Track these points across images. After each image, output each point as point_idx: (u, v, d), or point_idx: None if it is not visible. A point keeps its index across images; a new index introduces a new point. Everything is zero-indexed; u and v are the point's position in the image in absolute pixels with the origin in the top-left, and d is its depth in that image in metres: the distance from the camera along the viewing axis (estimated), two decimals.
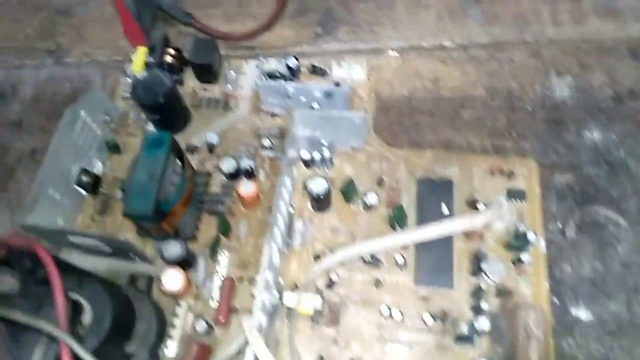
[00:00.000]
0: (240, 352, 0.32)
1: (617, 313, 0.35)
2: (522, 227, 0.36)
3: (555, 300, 0.36)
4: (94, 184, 0.40)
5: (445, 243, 0.36)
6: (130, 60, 0.44)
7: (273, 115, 0.43)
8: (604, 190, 0.40)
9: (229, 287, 0.36)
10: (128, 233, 0.39)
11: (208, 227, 0.39)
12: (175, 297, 0.36)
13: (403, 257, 0.36)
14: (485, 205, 0.37)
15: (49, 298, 0.26)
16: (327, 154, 0.39)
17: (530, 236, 0.35)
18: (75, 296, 0.28)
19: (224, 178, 0.41)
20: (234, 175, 0.40)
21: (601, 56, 0.45)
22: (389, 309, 0.35)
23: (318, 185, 0.36)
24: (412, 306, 0.35)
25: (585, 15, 0.48)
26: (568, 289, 0.36)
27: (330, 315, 0.35)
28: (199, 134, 0.43)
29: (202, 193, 0.40)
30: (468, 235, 0.37)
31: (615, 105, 0.43)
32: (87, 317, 0.28)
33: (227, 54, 0.47)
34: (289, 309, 0.35)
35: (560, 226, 0.38)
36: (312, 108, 0.42)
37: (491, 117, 0.43)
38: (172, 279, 0.34)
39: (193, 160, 0.42)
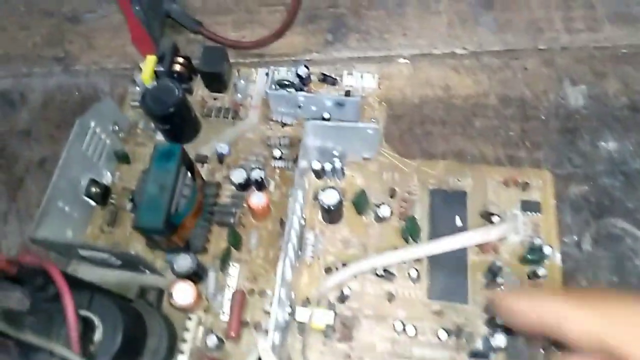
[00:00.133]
0: None
1: None
2: (537, 240, 0.35)
3: None
4: (103, 195, 0.40)
5: (459, 256, 0.36)
6: (139, 69, 0.44)
7: (283, 124, 0.43)
8: (620, 202, 0.39)
9: (240, 300, 0.35)
10: (138, 245, 0.39)
11: (218, 239, 0.39)
12: (185, 311, 0.35)
13: (416, 270, 0.36)
14: (499, 217, 0.37)
15: (60, 315, 0.26)
16: (338, 164, 0.39)
17: (546, 250, 0.35)
18: (86, 313, 0.28)
19: (234, 188, 0.40)
20: (244, 186, 0.40)
21: (616, 64, 0.45)
22: (403, 323, 0.34)
23: (329, 197, 0.36)
24: (425, 321, 0.34)
25: (599, 21, 0.47)
26: None
27: (342, 330, 0.35)
28: (209, 143, 0.43)
29: (212, 204, 0.39)
30: (482, 248, 0.36)
31: (631, 114, 0.42)
32: (98, 333, 0.28)
33: (237, 61, 0.47)
34: (301, 323, 0.34)
35: (576, 239, 0.37)
36: (323, 118, 0.41)
37: (504, 127, 0.43)
38: (183, 293, 0.34)
39: (203, 170, 0.41)
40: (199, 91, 0.45)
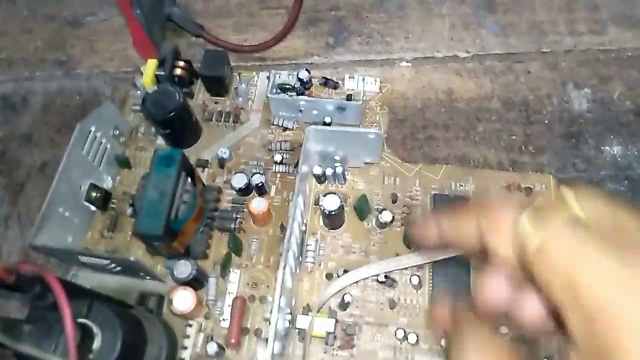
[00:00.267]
0: None
1: None
2: None
3: None
4: (103, 200, 0.40)
5: (462, 262, 0.35)
6: (140, 73, 0.43)
7: (284, 129, 0.43)
8: None
9: (240, 307, 0.35)
10: (138, 250, 0.39)
11: (219, 245, 0.38)
12: (185, 317, 0.35)
13: (418, 277, 0.35)
14: None
15: (59, 323, 0.25)
16: (339, 169, 0.39)
17: None
18: (85, 321, 0.28)
19: (235, 193, 0.40)
20: (245, 191, 0.40)
21: (621, 67, 0.44)
22: (404, 331, 0.34)
23: (331, 202, 0.36)
24: (427, 328, 0.34)
25: (603, 24, 0.46)
26: None
27: (343, 337, 0.34)
28: (210, 148, 0.43)
29: (212, 209, 0.39)
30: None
31: (635, 118, 0.42)
32: (97, 341, 0.28)
33: (238, 65, 0.47)
34: (302, 330, 0.34)
35: None
36: (324, 122, 0.41)
37: (507, 131, 0.42)
38: (183, 300, 0.34)
39: (203, 175, 0.41)
40: (200, 95, 0.45)
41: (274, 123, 0.43)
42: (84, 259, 0.35)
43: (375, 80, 0.44)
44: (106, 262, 0.34)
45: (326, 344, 0.34)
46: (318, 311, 0.34)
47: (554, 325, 0.20)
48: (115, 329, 0.28)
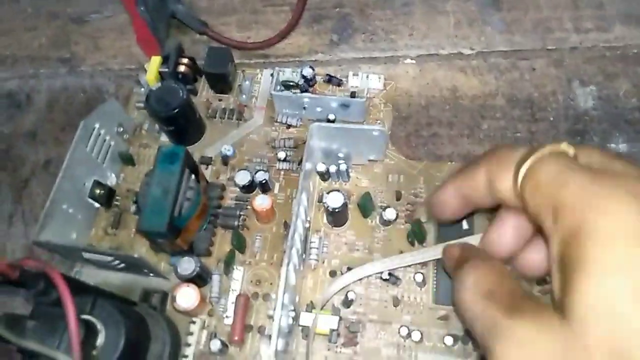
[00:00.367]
0: None
1: None
2: None
3: None
4: (107, 197, 0.40)
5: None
6: (144, 70, 0.43)
7: (288, 126, 0.43)
8: None
9: (244, 304, 0.35)
10: (142, 247, 0.39)
11: (222, 242, 0.38)
12: (189, 315, 0.35)
13: (422, 274, 0.35)
14: None
15: (63, 320, 0.25)
16: (343, 166, 0.39)
17: None
18: (89, 317, 0.28)
19: (238, 191, 0.40)
20: (249, 188, 0.39)
21: (627, 64, 0.44)
22: (408, 329, 0.34)
23: (334, 200, 0.35)
24: (431, 326, 0.34)
25: (609, 21, 0.46)
26: None
27: (347, 334, 0.34)
28: (213, 145, 0.43)
29: (216, 207, 0.39)
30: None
31: None
32: (100, 338, 0.28)
33: (242, 62, 0.47)
34: (305, 327, 0.34)
35: None
36: (328, 119, 0.41)
37: (512, 128, 0.42)
38: (186, 297, 0.34)
39: (207, 172, 0.41)
40: (204, 92, 0.45)
41: (278, 120, 0.43)
42: (87, 255, 0.35)
43: (379, 78, 0.44)
44: (110, 258, 0.34)
45: (329, 341, 0.34)
46: (322, 308, 0.34)
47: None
48: (119, 326, 0.28)
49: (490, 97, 0.44)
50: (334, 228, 0.38)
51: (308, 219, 0.38)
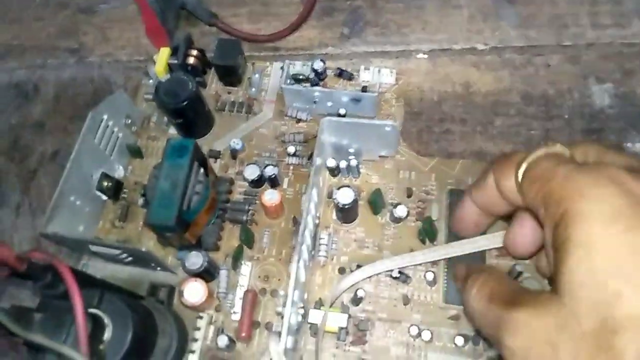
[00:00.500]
0: None
1: None
2: None
3: None
4: (115, 190, 0.39)
5: (477, 259, 0.35)
6: (153, 61, 0.43)
7: (298, 120, 0.42)
8: None
9: (252, 300, 0.35)
10: (149, 241, 0.38)
11: (230, 237, 0.38)
12: (196, 310, 0.35)
13: (433, 273, 0.34)
14: None
15: (70, 313, 0.25)
16: (353, 162, 0.38)
17: None
18: (96, 311, 0.28)
19: (247, 185, 0.40)
20: (258, 183, 0.39)
21: None
22: (418, 328, 0.33)
23: (344, 196, 0.35)
24: (442, 326, 0.34)
25: (627, 17, 0.45)
26: None
27: (356, 333, 0.34)
28: (222, 138, 0.42)
29: (224, 201, 0.39)
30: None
31: None
32: (107, 332, 0.28)
33: (252, 55, 0.46)
34: (314, 325, 0.33)
35: None
36: (339, 114, 0.40)
37: (526, 126, 0.41)
38: (194, 291, 0.33)
39: (215, 166, 0.41)
40: (213, 85, 0.45)
41: (288, 114, 0.42)
42: (94, 248, 0.34)
43: (391, 72, 0.43)
44: (117, 252, 0.34)
45: (338, 339, 0.33)
46: (331, 306, 0.34)
47: None
48: (126, 320, 0.28)
49: (504, 93, 0.43)
50: (343, 224, 0.38)
51: (318, 214, 0.37)
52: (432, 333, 0.33)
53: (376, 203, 0.37)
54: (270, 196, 0.37)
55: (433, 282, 0.35)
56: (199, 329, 0.35)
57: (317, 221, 0.37)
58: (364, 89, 0.42)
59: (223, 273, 0.36)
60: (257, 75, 0.44)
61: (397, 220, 0.37)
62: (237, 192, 0.40)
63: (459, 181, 0.38)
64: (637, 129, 0.40)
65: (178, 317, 0.34)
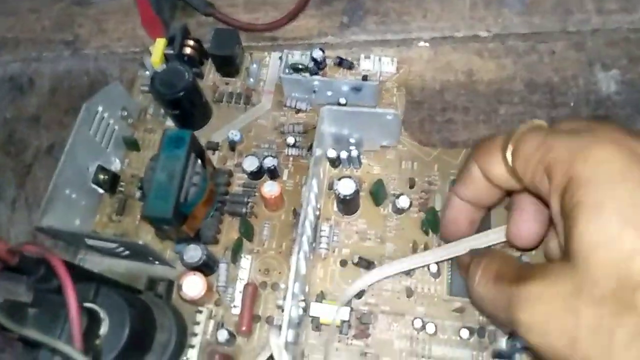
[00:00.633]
0: None
1: None
2: None
3: None
4: (111, 183, 0.39)
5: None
6: (149, 53, 0.42)
7: (297, 110, 0.41)
8: None
9: (252, 293, 0.34)
10: (147, 234, 0.38)
11: (229, 230, 0.37)
12: (195, 304, 0.34)
13: (437, 265, 0.34)
14: None
15: (65, 308, 0.24)
16: (354, 152, 0.37)
17: None
18: (92, 306, 0.27)
19: (246, 177, 0.39)
20: (257, 174, 0.38)
21: None
22: (422, 321, 0.32)
23: (345, 187, 0.34)
24: (446, 318, 0.33)
25: (633, 2, 0.44)
26: None
27: (359, 326, 0.33)
28: (220, 130, 0.41)
29: (223, 193, 0.38)
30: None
31: None
32: (104, 327, 0.27)
33: (249, 45, 0.45)
34: (315, 318, 0.33)
35: None
36: (339, 103, 0.40)
37: (530, 114, 0.41)
38: (193, 285, 0.33)
39: (214, 158, 0.40)
40: (210, 76, 0.44)
41: (287, 105, 0.41)
42: (91, 242, 0.34)
43: (392, 61, 0.42)
44: (114, 245, 0.33)
45: (340, 332, 0.33)
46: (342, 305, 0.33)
47: None
48: (124, 315, 0.27)
49: (507, 81, 0.42)
50: (344, 216, 0.37)
51: (318, 206, 0.36)
52: (436, 326, 0.32)
53: (378, 194, 0.36)
54: (269, 188, 0.36)
55: (437, 274, 0.34)
56: (198, 323, 0.34)
57: (317, 213, 0.36)
58: (365, 78, 0.41)
59: (222, 266, 0.35)
60: (255, 66, 0.43)
61: (399, 211, 0.36)
62: (236, 184, 0.39)
63: None
64: None
65: (177, 311, 0.34)
